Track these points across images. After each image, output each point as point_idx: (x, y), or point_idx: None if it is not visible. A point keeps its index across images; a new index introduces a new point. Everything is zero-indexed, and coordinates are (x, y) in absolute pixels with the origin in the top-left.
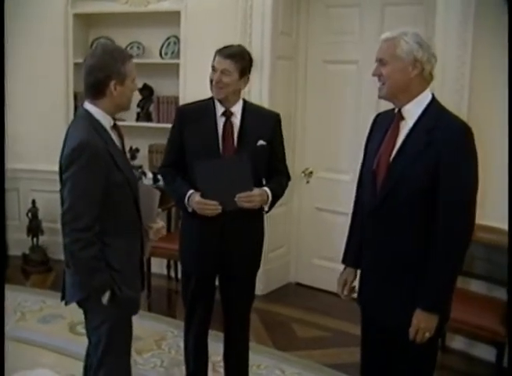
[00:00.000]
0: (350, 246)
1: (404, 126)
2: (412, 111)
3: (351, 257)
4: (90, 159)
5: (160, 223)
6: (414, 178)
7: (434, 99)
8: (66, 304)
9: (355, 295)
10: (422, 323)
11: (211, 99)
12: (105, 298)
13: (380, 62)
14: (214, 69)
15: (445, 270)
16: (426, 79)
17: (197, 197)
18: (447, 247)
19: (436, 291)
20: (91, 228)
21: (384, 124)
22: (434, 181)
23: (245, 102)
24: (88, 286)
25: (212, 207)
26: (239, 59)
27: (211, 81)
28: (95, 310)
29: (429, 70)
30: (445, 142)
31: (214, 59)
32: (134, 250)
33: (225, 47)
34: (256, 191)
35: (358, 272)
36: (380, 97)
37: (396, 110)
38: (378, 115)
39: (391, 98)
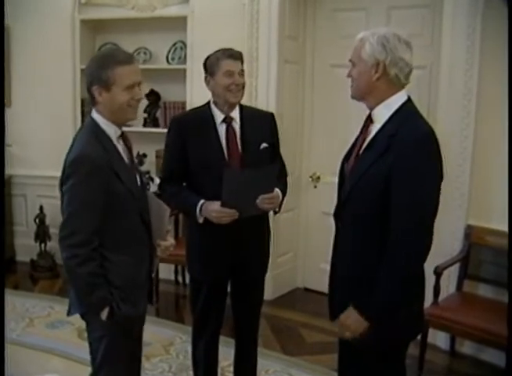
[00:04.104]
0: None
1: (372, 130)
2: (381, 115)
3: None
4: (89, 172)
5: (170, 241)
6: (371, 181)
7: (405, 104)
8: (67, 315)
9: None
10: (347, 320)
11: (206, 105)
12: (104, 315)
13: (351, 63)
14: (230, 73)
15: (389, 282)
16: (393, 82)
17: (216, 206)
18: (393, 259)
19: (377, 298)
20: (89, 243)
21: None
22: (389, 187)
23: (241, 105)
24: (87, 302)
25: (230, 216)
26: (242, 60)
27: (228, 87)
28: (96, 324)
29: (395, 74)
30: (400, 149)
31: (224, 63)
32: (139, 265)
33: (228, 49)
34: (275, 193)
35: None
36: (351, 97)
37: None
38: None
39: (360, 99)
